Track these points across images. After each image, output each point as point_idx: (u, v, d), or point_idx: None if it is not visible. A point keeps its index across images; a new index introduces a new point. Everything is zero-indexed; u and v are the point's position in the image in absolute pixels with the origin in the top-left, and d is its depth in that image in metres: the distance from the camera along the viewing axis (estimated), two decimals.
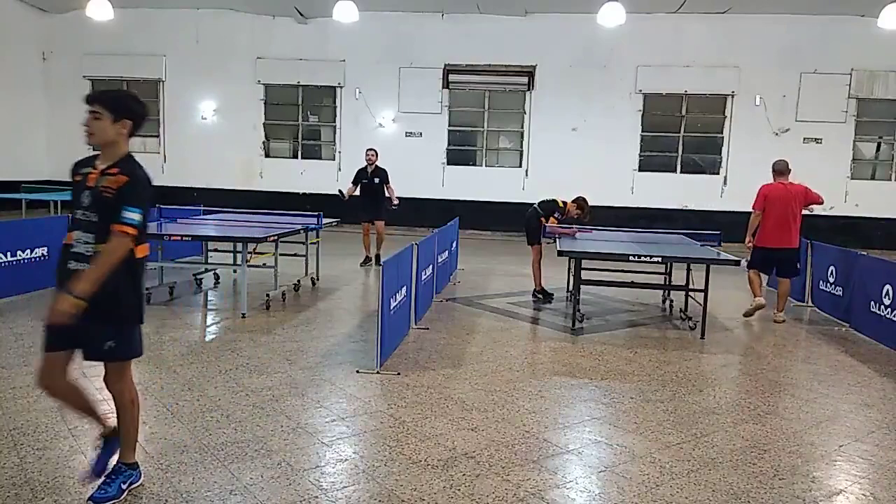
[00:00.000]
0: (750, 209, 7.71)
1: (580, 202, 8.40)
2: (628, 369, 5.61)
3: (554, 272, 8.76)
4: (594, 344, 6.41)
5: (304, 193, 16.45)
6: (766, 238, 7.46)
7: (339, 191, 10.59)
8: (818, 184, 15.20)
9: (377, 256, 10.32)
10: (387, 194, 10.58)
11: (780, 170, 7.56)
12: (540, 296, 8.41)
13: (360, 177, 10.56)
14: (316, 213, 8.78)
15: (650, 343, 6.59)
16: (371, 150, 10.61)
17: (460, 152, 16.90)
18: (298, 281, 8.44)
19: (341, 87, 16.91)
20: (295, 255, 8.76)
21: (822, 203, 7.65)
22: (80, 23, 16.26)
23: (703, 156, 16.12)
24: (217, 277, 8.90)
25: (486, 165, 16.91)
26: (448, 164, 16.75)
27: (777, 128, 15.62)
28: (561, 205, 8.38)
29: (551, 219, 8.29)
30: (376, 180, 10.46)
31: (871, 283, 7.09)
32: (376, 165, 10.52)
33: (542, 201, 8.48)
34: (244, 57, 16.93)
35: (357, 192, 10.69)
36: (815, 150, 15.59)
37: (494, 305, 8.04)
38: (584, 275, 7.18)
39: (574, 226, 8.42)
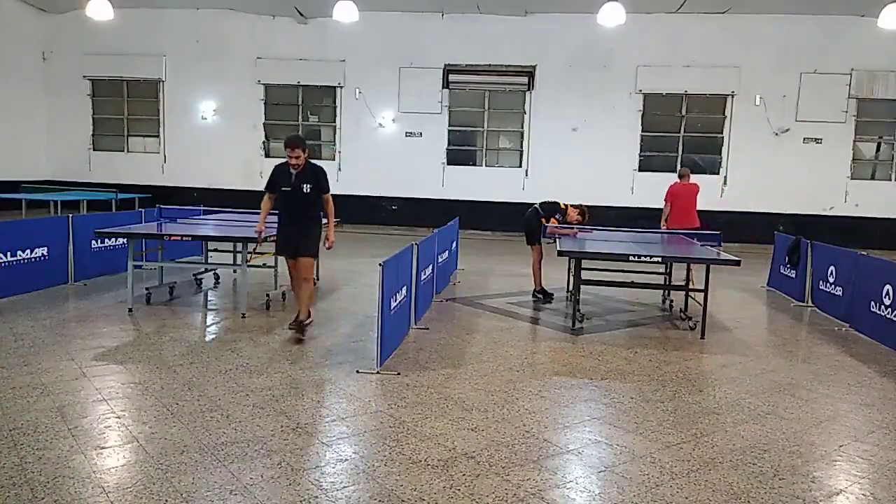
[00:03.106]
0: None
1: (581, 209, 8.46)
2: (628, 369, 5.61)
3: (554, 272, 8.76)
4: (594, 344, 6.41)
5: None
6: (675, 222, 9.58)
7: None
8: (818, 184, 15.57)
9: (301, 323, 6.18)
10: (324, 219, 6.35)
11: (684, 174, 9.90)
12: (540, 296, 8.41)
13: (279, 180, 6.14)
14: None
15: (650, 343, 6.59)
16: (294, 141, 6.01)
17: (460, 152, 16.89)
18: None
19: (341, 87, 16.91)
20: None
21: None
22: (80, 23, 16.28)
23: (703, 156, 16.14)
24: (217, 277, 8.89)
25: (486, 165, 16.92)
26: (448, 164, 16.75)
27: (777, 128, 15.62)
28: (563, 207, 8.39)
29: (552, 219, 8.29)
30: (306, 188, 6.06)
31: (871, 283, 7.09)
32: (308, 162, 6.14)
33: (544, 202, 8.48)
34: (244, 57, 16.94)
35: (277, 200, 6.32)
36: (815, 150, 15.61)
37: (494, 305, 8.04)
38: (584, 275, 7.18)
39: (574, 226, 8.43)
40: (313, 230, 6.27)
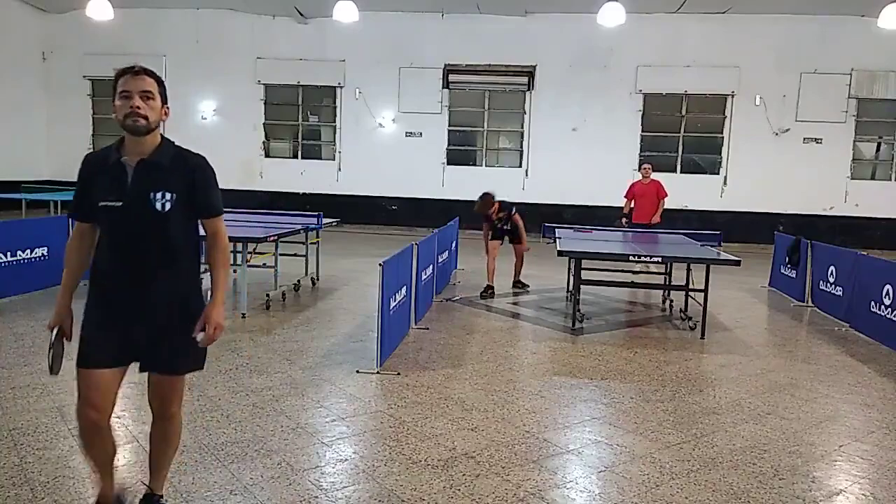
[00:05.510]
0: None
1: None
2: (628, 369, 5.61)
3: (554, 272, 8.76)
4: (594, 344, 6.41)
5: (303, 193, 16.45)
6: (637, 217, 11.05)
7: None
8: (818, 184, 15.61)
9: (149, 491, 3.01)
10: (204, 268, 3.08)
11: (647, 173, 11.29)
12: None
13: (94, 186, 2.61)
14: (316, 213, 8.78)
15: (650, 343, 6.59)
16: (139, 68, 2.77)
17: (460, 152, 16.89)
18: (298, 281, 8.43)
19: (341, 87, 16.91)
20: (295, 255, 8.75)
21: (664, 197, 11.06)
22: (80, 23, 16.27)
23: (703, 156, 16.14)
24: None
25: (486, 165, 16.91)
26: (448, 164, 16.74)
27: (777, 128, 15.62)
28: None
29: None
30: (162, 202, 2.64)
31: (871, 283, 7.09)
32: (168, 141, 2.83)
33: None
34: (244, 57, 16.93)
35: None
36: (815, 150, 15.60)
37: (494, 305, 8.04)
38: (584, 275, 7.18)
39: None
40: (188, 305, 2.87)
